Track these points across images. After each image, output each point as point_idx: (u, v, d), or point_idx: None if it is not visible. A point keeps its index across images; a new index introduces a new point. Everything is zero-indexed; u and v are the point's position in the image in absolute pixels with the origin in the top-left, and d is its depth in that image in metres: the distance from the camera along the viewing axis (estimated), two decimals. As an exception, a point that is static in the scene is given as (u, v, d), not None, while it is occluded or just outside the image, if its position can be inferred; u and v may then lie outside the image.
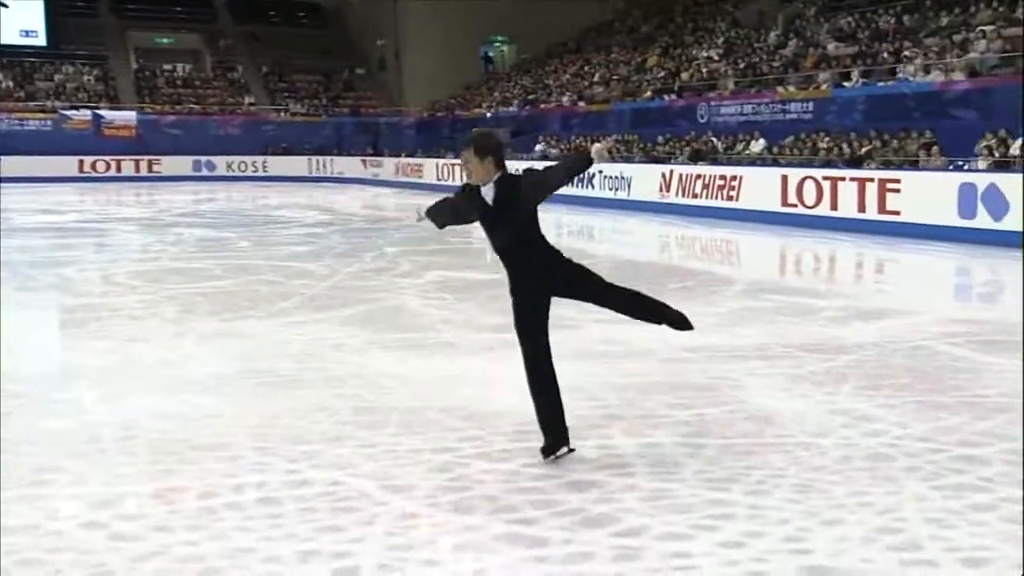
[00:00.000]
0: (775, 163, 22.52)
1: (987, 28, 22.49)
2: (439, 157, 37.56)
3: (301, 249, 15.94)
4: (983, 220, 15.83)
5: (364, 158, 42.34)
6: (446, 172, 35.19)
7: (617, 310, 5.56)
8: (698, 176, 22.97)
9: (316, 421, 5.88)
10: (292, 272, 12.75)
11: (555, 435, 5.14)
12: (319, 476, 4.88)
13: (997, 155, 17.58)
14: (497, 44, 53.57)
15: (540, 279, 5.21)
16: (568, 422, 5.22)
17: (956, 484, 4.70)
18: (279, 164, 42.67)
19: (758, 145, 24.04)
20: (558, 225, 22.94)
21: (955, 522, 4.22)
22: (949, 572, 3.78)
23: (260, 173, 41.83)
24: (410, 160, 39.54)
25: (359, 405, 6.24)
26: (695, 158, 24.74)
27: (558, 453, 5.10)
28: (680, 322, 5.64)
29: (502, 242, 5.20)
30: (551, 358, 5.12)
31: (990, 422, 5.77)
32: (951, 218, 15.99)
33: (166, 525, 4.29)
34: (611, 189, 25.91)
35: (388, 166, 40.49)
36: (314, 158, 43.26)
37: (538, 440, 5.26)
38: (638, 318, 5.57)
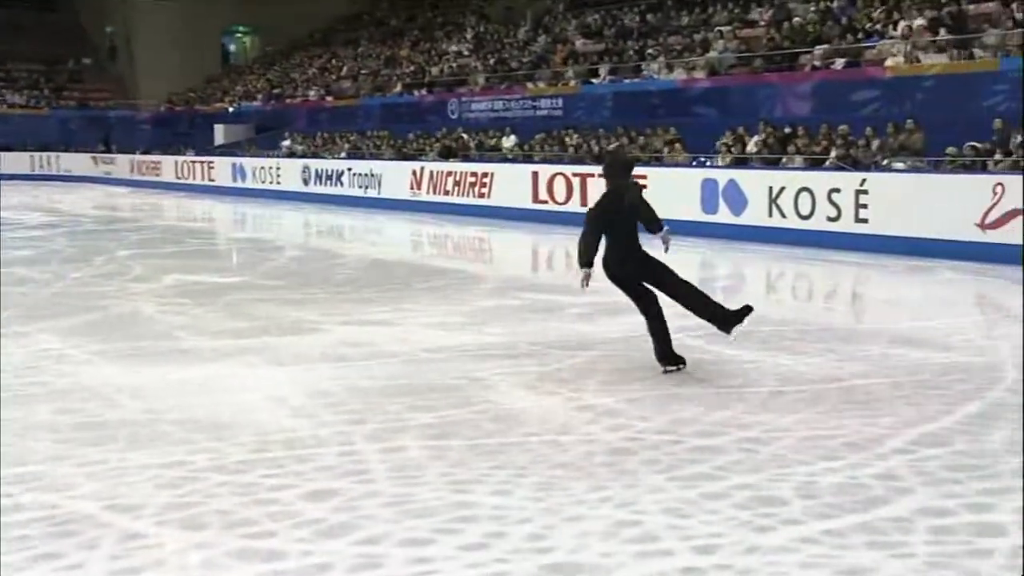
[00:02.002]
0: (526, 160, 23.08)
1: (724, 28, 23.86)
2: (178, 154, 36.35)
3: (21, 254, 15.06)
4: (724, 215, 16.80)
5: (95, 155, 40.47)
6: (186, 170, 34.11)
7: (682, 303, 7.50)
8: (449, 173, 23.25)
9: (35, 440, 5.57)
10: (11, 279, 12.03)
11: (675, 359, 7.22)
12: (35, 500, 4.63)
13: (735, 152, 18.66)
14: (239, 35, 52.37)
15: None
16: (309, 430, 5.28)
17: (692, 474, 4.95)
18: (-4, 161, 40.17)
19: (509, 141, 24.57)
20: (306, 225, 22.71)
21: (690, 511, 4.44)
22: (683, 560, 3.98)
23: (-28, 170, 39.25)
24: (146, 157, 38.08)
25: (83, 421, 5.96)
26: (446, 155, 25.02)
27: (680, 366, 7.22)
28: (730, 319, 7.46)
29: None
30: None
31: (726, 412, 6.12)
32: (695, 213, 16.86)
33: None
34: (361, 187, 25.84)
35: (122, 163, 38.85)
36: (37, 154, 40.93)
37: (278, 450, 5.27)
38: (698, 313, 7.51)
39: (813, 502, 4.55)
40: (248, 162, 31.37)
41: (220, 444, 5.46)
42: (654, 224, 7.35)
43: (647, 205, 7.42)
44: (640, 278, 7.30)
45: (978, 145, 15.45)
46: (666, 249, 7.27)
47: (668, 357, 7.23)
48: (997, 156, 15.01)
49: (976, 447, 5.39)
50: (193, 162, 34.18)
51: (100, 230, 20.07)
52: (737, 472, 4.97)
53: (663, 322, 7.25)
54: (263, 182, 29.91)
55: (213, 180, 32.33)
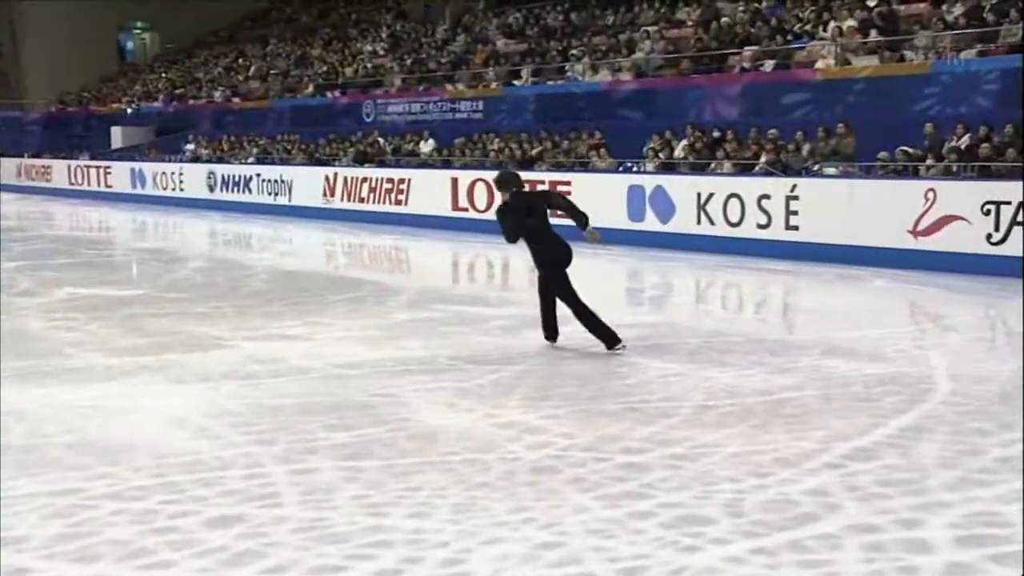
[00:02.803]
0: (445, 165, 23.08)
1: (651, 29, 24.12)
2: (71, 158, 35.70)
3: None
4: (651, 222, 16.95)
5: (-24, 158, 39.54)
6: (79, 175, 33.50)
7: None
8: (364, 179, 23.14)
9: (-91, 469, 5.43)
10: None
11: (611, 337, 8.46)
12: (-90, 533, 4.51)
13: (663, 157, 18.87)
14: (137, 31, 51.65)
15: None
16: (212, 453, 5.31)
17: (617, 493, 4.99)
18: None
19: (427, 146, 24.55)
20: (211, 234, 22.44)
21: (616, 532, 4.48)
22: (608, 583, 4.01)
23: None
24: (35, 161, 37.33)
25: (-36, 447, 5.82)
26: (361, 160, 24.91)
27: (617, 348, 8.43)
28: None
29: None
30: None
31: (652, 427, 6.18)
32: (621, 220, 16.98)
33: None
34: (270, 194, 25.62)
35: (8, 167, 38.02)
36: (-89, 158, 39.85)
37: (178, 475, 5.23)
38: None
39: (741, 520, 4.62)
40: (148, 167, 30.89)
41: (115, 469, 5.37)
42: (580, 219, 8.75)
43: (567, 201, 9.09)
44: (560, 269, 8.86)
45: (910, 150, 15.81)
46: (595, 240, 8.90)
47: (613, 338, 8.49)
48: (929, 161, 15.37)
49: (906, 461, 5.52)
50: (88, 167, 33.57)
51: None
52: (664, 490, 5.03)
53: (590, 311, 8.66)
54: (164, 188, 29.48)
55: (110, 186, 31.79)
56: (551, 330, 8.77)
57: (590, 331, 8.45)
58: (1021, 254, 12.63)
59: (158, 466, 5.40)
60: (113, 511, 4.76)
